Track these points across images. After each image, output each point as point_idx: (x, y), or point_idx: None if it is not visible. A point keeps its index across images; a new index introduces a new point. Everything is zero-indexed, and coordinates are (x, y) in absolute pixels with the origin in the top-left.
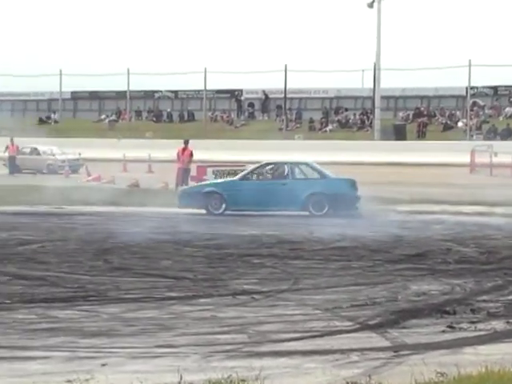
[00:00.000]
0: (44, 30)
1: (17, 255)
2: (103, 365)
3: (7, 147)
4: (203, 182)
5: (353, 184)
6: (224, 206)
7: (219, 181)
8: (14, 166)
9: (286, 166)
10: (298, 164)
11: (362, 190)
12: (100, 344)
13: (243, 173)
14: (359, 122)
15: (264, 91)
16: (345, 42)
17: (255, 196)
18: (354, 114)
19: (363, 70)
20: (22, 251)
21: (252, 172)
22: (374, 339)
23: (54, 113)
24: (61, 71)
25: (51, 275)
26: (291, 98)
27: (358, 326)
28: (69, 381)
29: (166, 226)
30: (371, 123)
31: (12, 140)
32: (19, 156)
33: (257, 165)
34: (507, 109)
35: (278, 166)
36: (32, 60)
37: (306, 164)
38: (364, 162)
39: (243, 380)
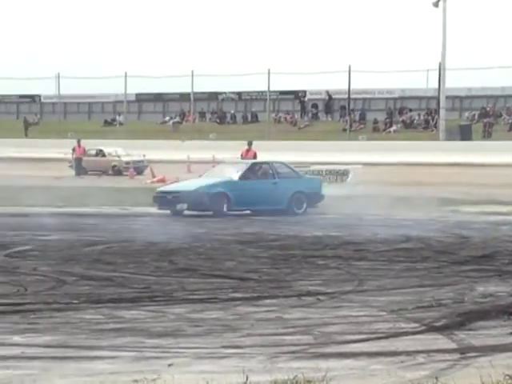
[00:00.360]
0: (110, 32)
1: (84, 256)
2: (170, 365)
3: (74, 149)
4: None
5: (321, 183)
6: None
7: (215, 181)
8: (80, 168)
9: (269, 166)
10: (278, 163)
11: (428, 190)
12: (166, 344)
13: (242, 172)
14: (424, 122)
15: (328, 92)
16: (409, 42)
17: (253, 195)
18: (419, 115)
19: (428, 70)
20: (89, 252)
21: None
22: (440, 341)
23: (119, 115)
24: (126, 73)
25: (117, 276)
26: (355, 99)
27: (423, 327)
28: (136, 380)
29: (230, 227)
30: (436, 124)
31: (79, 142)
32: (85, 158)
33: (248, 165)
34: None
35: (262, 165)
36: (98, 63)
37: (282, 163)
38: (429, 163)
39: (309, 381)
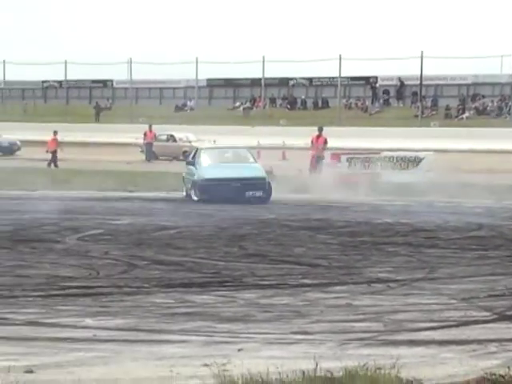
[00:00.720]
0: (181, 18)
1: (154, 240)
2: (239, 350)
3: (145, 134)
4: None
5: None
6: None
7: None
8: (150, 153)
9: (247, 151)
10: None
11: (500, 178)
12: (236, 329)
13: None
14: (497, 109)
15: (399, 78)
16: (483, 27)
17: None
18: (492, 101)
19: (502, 56)
20: (160, 236)
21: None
22: None
23: (190, 100)
24: (197, 59)
25: (188, 260)
26: (427, 85)
27: (495, 316)
28: (206, 365)
29: (299, 213)
30: (510, 110)
31: (150, 127)
32: (156, 143)
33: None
34: None
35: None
36: (169, 48)
37: (246, 149)
38: (501, 150)
39: (379, 368)
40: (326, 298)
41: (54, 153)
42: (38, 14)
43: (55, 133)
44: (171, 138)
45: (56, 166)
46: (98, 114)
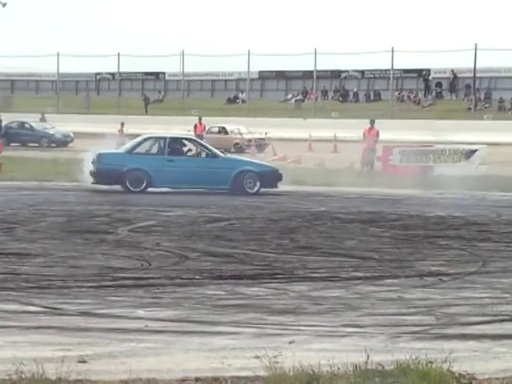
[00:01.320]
0: (232, 10)
1: (205, 232)
2: (290, 342)
3: (195, 126)
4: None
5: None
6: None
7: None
8: None
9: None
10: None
11: None
12: (287, 321)
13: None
14: None
15: (453, 70)
16: None
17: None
18: None
19: None
20: (211, 228)
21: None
22: None
23: (242, 92)
24: (249, 51)
25: (239, 252)
26: (480, 78)
27: None
28: (257, 356)
29: (350, 206)
30: None
31: (200, 119)
32: (207, 135)
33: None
34: None
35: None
36: (221, 40)
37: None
38: None
39: (431, 362)
40: (378, 291)
41: (121, 143)
42: (92, 6)
43: (122, 124)
44: (223, 130)
45: None
46: (147, 106)
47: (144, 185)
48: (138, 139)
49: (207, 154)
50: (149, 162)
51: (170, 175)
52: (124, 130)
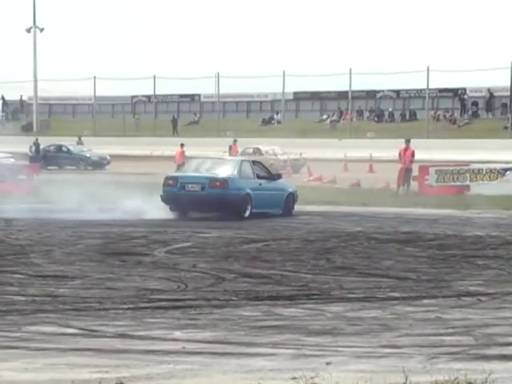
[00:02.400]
0: (268, 32)
1: (242, 253)
2: (328, 363)
3: (230, 147)
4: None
5: None
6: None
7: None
8: None
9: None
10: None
11: None
12: (324, 342)
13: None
14: None
15: (489, 89)
16: None
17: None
18: None
19: None
20: (247, 249)
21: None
22: None
23: (277, 113)
24: (284, 72)
25: (275, 273)
26: None
27: None
28: (294, 378)
29: (386, 226)
30: None
31: (235, 141)
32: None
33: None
34: None
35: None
36: (256, 61)
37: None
38: None
39: (470, 382)
40: (415, 312)
41: (182, 165)
42: (127, 29)
43: (182, 145)
44: (257, 151)
45: None
46: (175, 128)
47: (249, 210)
48: (235, 162)
49: (272, 177)
50: (249, 185)
51: (261, 199)
52: (184, 151)
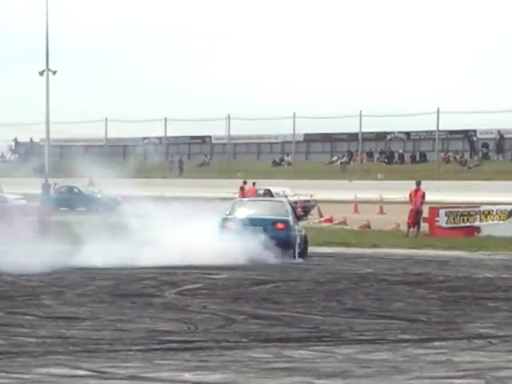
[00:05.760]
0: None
1: (252, 295)
2: None
3: (241, 188)
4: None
5: None
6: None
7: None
8: None
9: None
10: None
11: None
12: None
13: None
14: None
15: (499, 131)
16: None
17: None
18: None
19: None
20: (257, 291)
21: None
22: None
23: (288, 155)
24: (294, 114)
25: (286, 315)
26: None
27: None
28: None
29: (396, 268)
30: None
31: (245, 182)
32: (252, 198)
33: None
34: None
35: None
36: (266, 103)
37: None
38: None
39: None
40: (426, 354)
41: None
42: (138, 71)
43: (254, 184)
44: (268, 192)
45: None
46: (181, 169)
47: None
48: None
49: (298, 218)
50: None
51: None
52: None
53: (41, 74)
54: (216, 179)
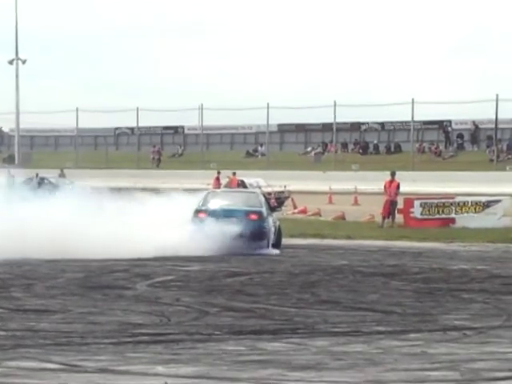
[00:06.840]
0: (251, 64)
1: (225, 287)
2: None
3: (217, 179)
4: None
5: None
6: None
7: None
8: None
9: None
10: None
11: None
12: (308, 377)
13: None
14: None
15: (474, 122)
16: None
17: None
18: None
19: None
20: (231, 283)
21: None
22: None
23: (261, 145)
24: (268, 104)
25: (259, 307)
26: (502, 129)
27: None
28: None
29: (371, 259)
30: None
31: (219, 173)
32: (225, 189)
33: None
34: None
35: None
36: (240, 94)
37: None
38: None
39: None
40: (401, 346)
41: None
42: (110, 61)
43: (234, 174)
44: (241, 183)
45: None
46: (159, 160)
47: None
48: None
49: (272, 209)
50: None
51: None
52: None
53: (10, 62)
54: (189, 170)
